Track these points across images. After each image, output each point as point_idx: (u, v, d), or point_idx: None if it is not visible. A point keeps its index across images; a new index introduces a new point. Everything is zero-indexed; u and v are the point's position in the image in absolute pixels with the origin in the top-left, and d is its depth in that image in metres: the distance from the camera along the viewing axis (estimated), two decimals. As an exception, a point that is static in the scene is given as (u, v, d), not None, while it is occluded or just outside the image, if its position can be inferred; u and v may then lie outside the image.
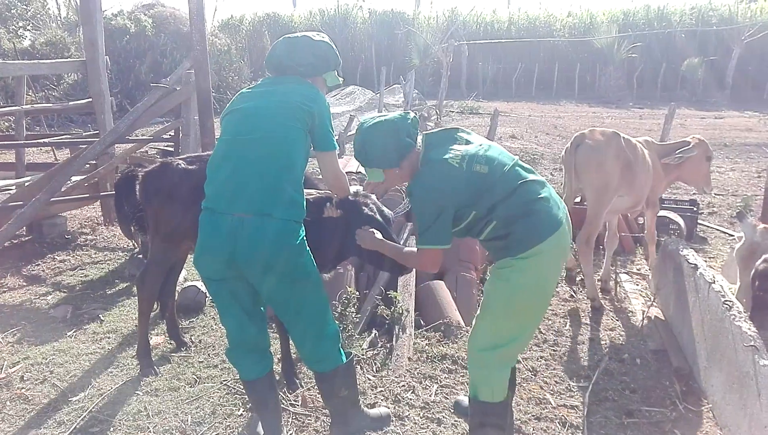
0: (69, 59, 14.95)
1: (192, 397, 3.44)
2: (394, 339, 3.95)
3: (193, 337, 4.21)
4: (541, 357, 3.92)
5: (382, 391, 3.44)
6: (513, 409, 3.01)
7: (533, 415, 3.24)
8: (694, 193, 7.73)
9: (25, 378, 3.68)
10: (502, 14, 32.96)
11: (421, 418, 3.21)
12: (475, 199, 2.46)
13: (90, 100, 7.34)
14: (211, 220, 2.58)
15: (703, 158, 5.05)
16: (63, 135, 10.16)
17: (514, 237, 2.44)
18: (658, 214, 6.07)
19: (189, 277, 5.06)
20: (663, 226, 6.25)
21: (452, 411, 3.26)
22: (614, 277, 5.16)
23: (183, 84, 6.43)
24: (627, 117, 19.36)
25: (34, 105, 11.03)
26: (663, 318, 4.41)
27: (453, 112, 18.61)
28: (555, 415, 3.25)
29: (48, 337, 4.23)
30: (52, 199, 5.67)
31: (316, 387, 3.15)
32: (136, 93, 18.28)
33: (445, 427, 3.13)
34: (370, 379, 3.56)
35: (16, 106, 7.84)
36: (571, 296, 4.95)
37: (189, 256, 4.04)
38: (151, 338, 3.98)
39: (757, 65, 27.28)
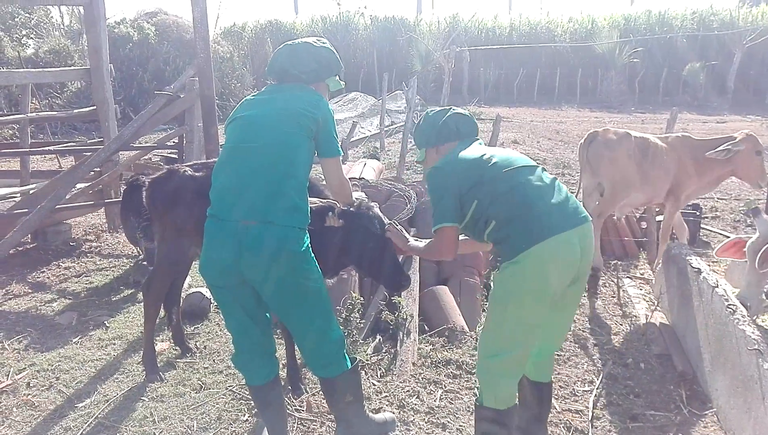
0: (73, 67, 15.03)
1: (197, 402, 3.45)
2: (398, 344, 3.96)
3: (197, 343, 4.22)
4: (545, 362, 3.92)
5: (386, 396, 3.45)
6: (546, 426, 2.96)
7: (538, 420, 3.24)
8: (696, 197, 7.73)
9: (31, 384, 3.70)
10: (503, 20, 33.00)
11: (426, 423, 3.22)
12: (477, 185, 2.53)
13: (94, 107, 7.37)
14: (215, 227, 2.60)
15: (753, 153, 4.91)
16: (67, 142, 10.21)
17: (510, 239, 2.45)
18: (659, 219, 6.09)
19: (193, 283, 5.08)
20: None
21: (457, 416, 3.27)
22: (616, 281, 5.17)
23: (187, 91, 6.47)
24: (629, 121, 19.35)
25: (39, 113, 11.08)
26: (667, 322, 4.42)
27: (455, 117, 18.60)
28: (560, 420, 3.26)
29: (54, 344, 4.26)
30: (56, 207, 5.70)
31: (321, 392, 3.17)
32: (139, 101, 18.34)
33: (449, 432, 3.14)
34: (374, 385, 3.57)
35: (21, 114, 7.88)
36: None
37: (194, 262, 4.07)
38: (156, 344, 3.99)
39: (758, 69, 27.28)
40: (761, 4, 29.81)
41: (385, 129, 14.46)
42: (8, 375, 3.80)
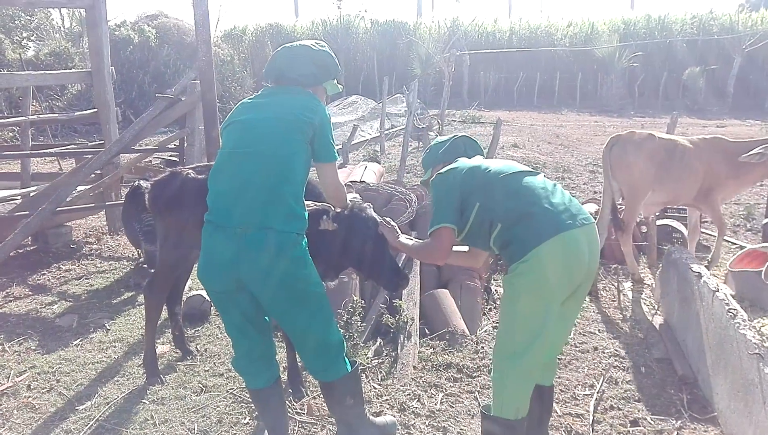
0: (75, 70, 15.05)
1: (198, 405, 3.45)
2: (399, 347, 3.96)
3: (198, 346, 4.22)
4: (546, 365, 3.93)
5: (387, 399, 3.45)
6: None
7: (539, 424, 3.24)
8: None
9: (31, 387, 3.70)
10: (503, 24, 33.02)
11: (426, 426, 3.22)
12: (478, 188, 2.57)
13: (95, 110, 7.38)
14: (213, 233, 2.60)
15: None
16: (68, 145, 10.21)
17: (516, 241, 2.46)
18: (660, 223, 6.11)
19: (194, 286, 5.08)
20: (666, 234, 6.27)
21: (457, 419, 3.27)
22: (617, 285, 5.17)
23: (188, 94, 6.48)
24: (629, 126, 19.37)
25: (40, 115, 11.09)
26: (667, 326, 4.42)
27: (455, 121, 18.64)
28: (561, 424, 3.26)
29: (54, 346, 4.26)
30: (57, 209, 5.70)
31: (321, 395, 3.16)
32: (139, 103, 18.35)
33: (450, 436, 3.15)
34: (375, 388, 3.57)
35: (22, 116, 7.89)
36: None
37: (195, 264, 4.07)
38: (157, 347, 3.99)
39: (758, 74, 27.29)
40: (761, 8, 29.88)
41: (386, 132, 14.47)
42: (9, 377, 3.80)
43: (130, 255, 6.28)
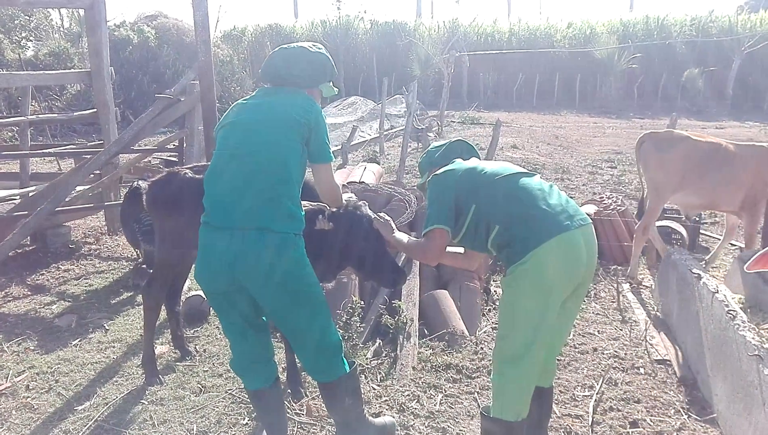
0: (74, 70, 15.02)
1: (197, 406, 3.45)
2: (398, 348, 3.96)
3: (197, 347, 4.22)
4: (545, 366, 3.92)
5: (386, 400, 3.45)
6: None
7: (538, 425, 3.24)
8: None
9: (30, 387, 3.70)
10: (502, 25, 33.00)
11: (425, 427, 3.22)
12: (474, 190, 2.56)
13: (95, 110, 7.37)
14: (210, 234, 2.60)
15: None
16: (67, 145, 10.21)
17: (514, 242, 2.46)
18: (659, 225, 6.10)
19: (193, 286, 5.07)
20: (665, 235, 6.26)
21: (457, 420, 3.27)
22: (616, 286, 5.17)
23: (187, 94, 6.48)
24: (628, 127, 19.39)
25: (39, 115, 11.08)
26: (667, 327, 4.42)
27: (454, 122, 18.64)
28: (560, 425, 3.26)
29: (53, 347, 4.25)
30: (56, 209, 5.69)
31: (320, 396, 3.16)
32: (138, 104, 18.32)
33: (450, 437, 3.14)
34: (374, 389, 3.57)
35: (21, 116, 7.89)
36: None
37: (193, 264, 4.06)
38: (156, 347, 3.99)
39: (757, 76, 27.27)
40: (760, 10, 29.88)
41: (385, 133, 14.47)
42: (7, 377, 3.80)
43: (129, 255, 6.27)
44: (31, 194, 6.56)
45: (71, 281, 5.61)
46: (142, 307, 3.91)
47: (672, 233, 6.33)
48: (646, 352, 4.12)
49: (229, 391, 3.59)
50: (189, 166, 3.84)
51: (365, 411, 3.05)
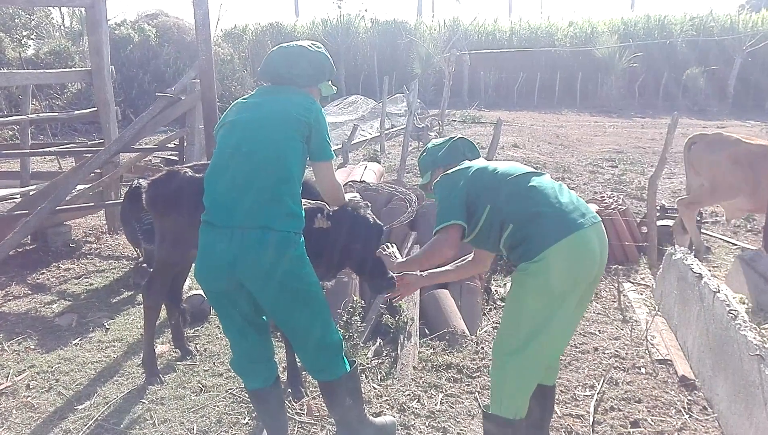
0: (75, 69, 15.02)
1: (197, 405, 3.44)
2: (398, 348, 3.95)
3: (198, 346, 4.21)
4: (546, 366, 3.92)
5: (387, 399, 3.44)
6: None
7: (539, 425, 3.23)
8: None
9: (30, 386, 3.69)
10: (503, 24, 33.01)
11: (426, 427, 3.21)
12: (487, 190, 2.57)
13: (95, 109, 7.37)
14: (210, 233, 2.59)
15: None
16: (67, 144, 10.20)
17: (528, 240, 2.46)
18: (660, 224, 6.10)
19: (193, 285, 5.07)
20: (666, 235, 6.26)
21: (457, 420, 3.27)
22: (617, 285, 5.16)
23: (188, 93, 6.46)
24: (629, 126, 19.39)
25: (40, 114, 11.08)
26: (668, 327, 4.41)
27: (455, 121, 18.63)
28: (561, 425, 3.25)
29: (53, 346, 4.25)
30: (57, 208, 5.69)
31: (321, 396, 3.16)
32: (139, 102, 18.32)
33: (450, 436, 3.14)
34: (375, 388, 3.56)
35: (22, 115, 7.88)
36: None
37: (193, 263, 4.06)
38: (156, 347, 3.98)
39: (758, 75, 27.25)
40: (761, 9, 29.85)
41: (386, 132, 14.46)
42: (8, 377, 3.79)
43: (129, 254, 6.27)
44: (31, 193, 6.56)
45: (72, 280, 5.61)
46: (143, 306, 3.91)
47: (673, 232, 6.31)
48: (647, 351, 4.11)
49: (230, 391, 3.58)
50: (189, 164, 3.84)
51: (366, 410, 3.05)
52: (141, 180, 4.00)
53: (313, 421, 3.26)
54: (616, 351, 4.14)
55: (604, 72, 28.08)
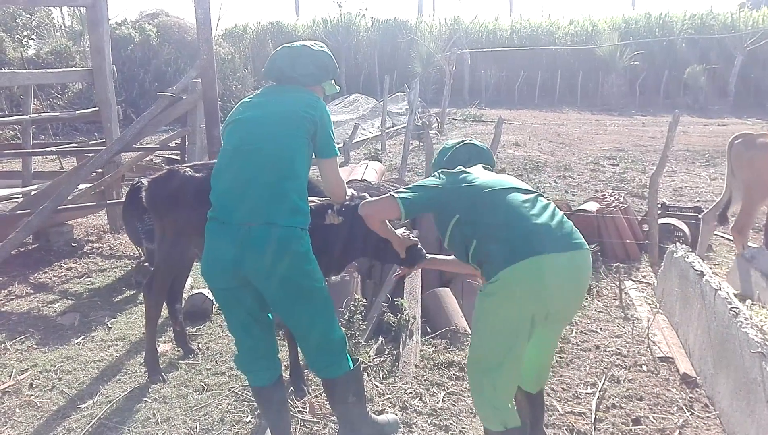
0: (76, 68, 15.03)
1: (200, 404, 3.45)
2: (400, 346, 3.96)
3: (200, 345, 4.22)
4: (548, 364, 3.92)
5: (389, 398, 3.45)
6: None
7: (541, 422, 3.24)
8: (698, 200, 7.74)
9: (33, 385, 3.70)
10: (504, 22, 32.94)
11: (428, 425, 3.22)
12: (457, 200, 2.54)
13: (96, 108, 7.38)
14: (217, 230, 2.63)
15: None
16: (69, 143, 10.21)
17: (490, 259, 2.42)
18: (662, 222, 6.10)
19: (195, 284, 5.08)
20: (667, 233, 6.26)
21: (459, 418, 3.27)
22: (618, 283, 5.17)
23: (189, 92, 6.47)
24: (630, 124, 19.36)
25: (41, 114, 11.09)
26: (669, 325, 4.41)
27: (456, 120, 18.63)
28: (562, 422, 3.26)
29: (56, 345, 4.26)
30: (58, 208, 5.70)
31: (324, 394, 3.17)
32: (140, 102, 18.33)
33: (452, 434, 3.14)
34: (377, 386, 3.57)
35: (23, 114, 7.89)
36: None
37: (195, 263, 4.07)
38: (159, 345, 4.00)
39: (759, 73, 27.23)
40: (762, 7, 29.81)
41: (387, 131, 14.46)
42: (11, 376, 3.80)
43: (131, 253, 6.28)
44: (33, 193, 6.57)
45: (74, 279, 5.62)
46: (144, 304, 3.91)
47: (674, 230, 6.32)
48: (648, 349, 4.12)
49: (232, 389, 3.59)
50: (189, 164, 3.84)
51: (368, 408, 3.06)
52: (142, 179, 4.00)
53: (315, 419, 3.27)
54: (618, 349, 4.14)
55: (605, 70, 28.05)
